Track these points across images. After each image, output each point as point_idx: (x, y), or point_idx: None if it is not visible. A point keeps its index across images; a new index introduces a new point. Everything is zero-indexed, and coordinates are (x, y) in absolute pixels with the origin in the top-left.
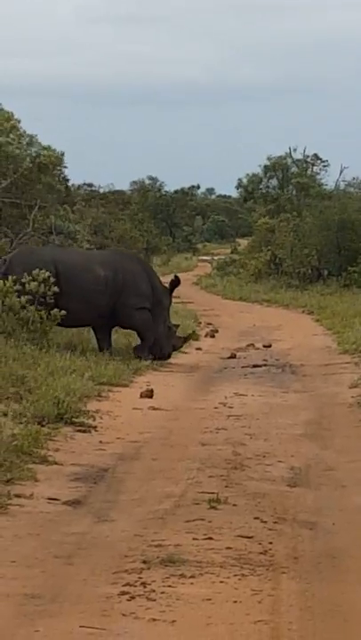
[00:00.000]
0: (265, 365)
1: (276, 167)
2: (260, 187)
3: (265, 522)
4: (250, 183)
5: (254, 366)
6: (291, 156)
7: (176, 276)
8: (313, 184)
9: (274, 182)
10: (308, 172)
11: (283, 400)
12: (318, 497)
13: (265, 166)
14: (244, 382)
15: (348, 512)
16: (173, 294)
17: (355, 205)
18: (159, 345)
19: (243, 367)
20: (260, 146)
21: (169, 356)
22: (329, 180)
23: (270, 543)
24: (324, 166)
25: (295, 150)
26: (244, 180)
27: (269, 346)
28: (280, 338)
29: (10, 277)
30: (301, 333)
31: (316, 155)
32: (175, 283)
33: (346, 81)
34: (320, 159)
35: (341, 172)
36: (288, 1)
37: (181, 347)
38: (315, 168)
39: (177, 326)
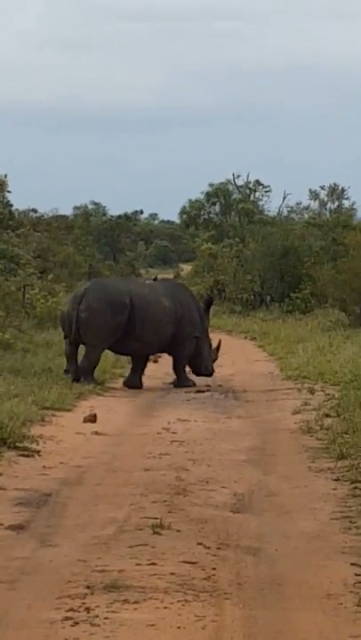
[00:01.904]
0: (208, 391)
1: (219, 193)
2: (203, 212)
3: (208, 547)
4: (192, 209)
5: (197, 392)
6: (234, 183)
7: (209, 295)
8: (256, 210)
9: (217, 208)
10: (251, 198)
11: (226, 426)
12: (262, 523)
13: (207, 193)
14: (188, 408)
15: (291, 538)
16: None
17: (297, 232)
18: (205, 364)
19: (186, 392)
20: (203, 171)
21: (213, 372)
22: (272, 206)
23: (214, 569)
24: (267, 192)
25: (238, 177)
26: (187, 206)
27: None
28: (223, 363)
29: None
30: (244, 359)
31: (258, 181)
32: (210, 302)
33: (289, 108)
34: (263, 185)
35: (284, 198)
36: (232, 28)
37: (217, 358)
38: (257, 194)
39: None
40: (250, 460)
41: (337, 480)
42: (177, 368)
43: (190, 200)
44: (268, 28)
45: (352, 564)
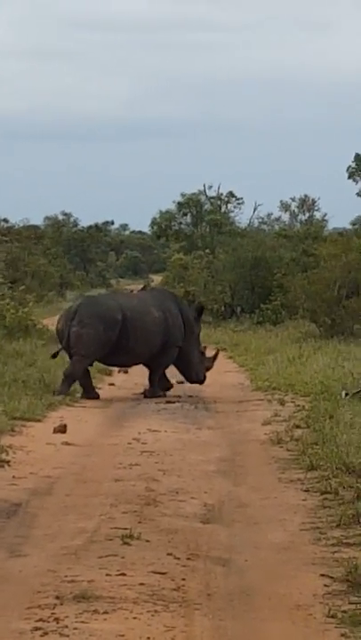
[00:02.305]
0: (178, 402)
1: (191, 204)
2: (174, 223)
3: (178, 558)
4: (163, 220)
5: (168, 402)
6: (205, 194)
7: (200, 302)
8: (226, 221)
9: (188, 219)
10: (223, 209)
11: (196, 436)
12: (231, 534)
13: (179, 203)
14: (158, 418)
15: (261, 549)
16: None
17: (268, 243)
18: (195, 371)
19: (156, 403)
20: (175, 182)
21: (204, 379)
22: (243, 217)
23: (183, 579)
24: (239, 204)
25: (210, 188)
26: (158, 217)
27: (182, 382)
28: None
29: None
30: (214, 370)
31: (231, 192)
32: (201, 309)
33: (260, 119)
34: (235, 196)
35: (255, 209)
36: (205, 39)
37: (212, 367)
38: (229, 205)
39: (204, 347)
40: (220, 470)
41: (307, 491)
42: (152, 378)
43: (161, 211)
44: (242, 40)
45: (321, 576)
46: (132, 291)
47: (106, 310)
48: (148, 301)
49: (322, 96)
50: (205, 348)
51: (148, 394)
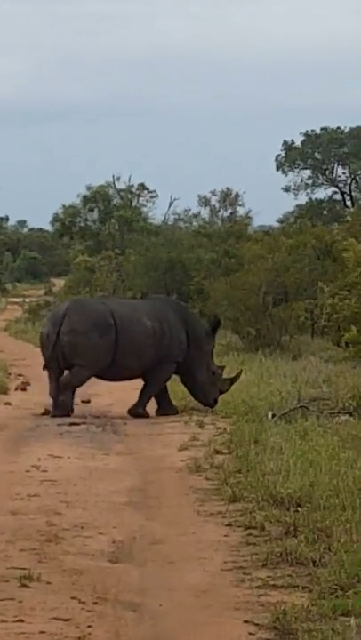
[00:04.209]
0: (83, 423)
1: (98, 198)
2: (79, 220)
3: (83, 602)
4: (67, 215)
5: (71, 424)
6: (114, 186)
7: (215, 316)
8: (138, 218)
9: (94, 215)
10: (134, 203)
11: (104, 463)
12: (143, 574)
13: (84, 197)
14: (60, 442)
15: (176, 592)
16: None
17: (185, 242)
18: (203, 392)
19: (58, 425)
20: (80, 173)
21: (215, 402)
22: (157, 213)
23: (89, 627)
24: (152, 197)
25: (119, 179)
26: (60, 213)
27: (88, 401)
28: (100, 392)
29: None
30: (123, 387)
31: (142, 184)
32: (216, 323)
33: (179, 105)
34: (147, 189)
35: (171, 203)
36: (116, 8)
37: (228, 389)
38: (141, 199)
39: (222, 368)
40: (131, 502)
41: (229, 525)
42: (142, 394)
43: (64, 205)
44: (155, 11)
45: (245, 622)
46: (142, 296)
47: (97, 314)
48: (142, 310)
49: (248, 75)
50: (223, 367)
51: (132, 411)
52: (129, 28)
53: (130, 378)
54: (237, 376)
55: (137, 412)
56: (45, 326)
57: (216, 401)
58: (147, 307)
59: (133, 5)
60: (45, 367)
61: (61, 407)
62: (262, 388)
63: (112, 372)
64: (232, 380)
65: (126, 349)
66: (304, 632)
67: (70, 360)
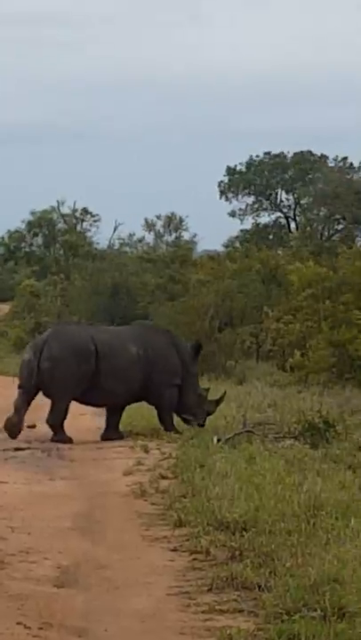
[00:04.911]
0: (29, 448)
1: (42, 222)
2: (24, 245)
3: (29, 627)
4: (12, 240)
5: (16, 449)
6: (58, 210)
7: (197, 341)
8: (83, 242)
9: (39, 240)
10: (78, 228)
11: (49, 488)
12: (89, 599)
13: (29, 221)
14: (4, 467)
15: (122, 617)
16: None
17: (130, 267)
18: (191, 414)
19: (3, 450)
20: (24, 198)
21: (204, 423)
22: (101, 238)
23: None
24: (95, 221)
25: (63, 204)
26: (5, 237)
27: (33, 426)
28: (44, 416)
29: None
30: (70, 413)
31: (85, 209)
32: (198, 347)
33: (125, 130)
34: (90, 214)
35: (116, 228)
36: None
37: (215, 411)
38: (84, 224)
39: (207, 390)
40: (76, 527)
41: (174, 550)
42: (162, 418)
43: (9, 230)
44: (99, 37)
45: None
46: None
47: (77, 342)
48: (126, 336)
49: (192, 97)
50: (208, 389)
51: (165, 428)
52: (71, 51)
53: (118, 403)
54: (222, 398)
55: (170, 435)
56: (27, 352)
57: (204, 422)
58: (131, 333)
59: (77, 32)
60: (20, 387)
61: (58, 436)
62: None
63: (97, 397)
64: (217, 402)
65: (109, 375)
66: None
67: (48, 388)
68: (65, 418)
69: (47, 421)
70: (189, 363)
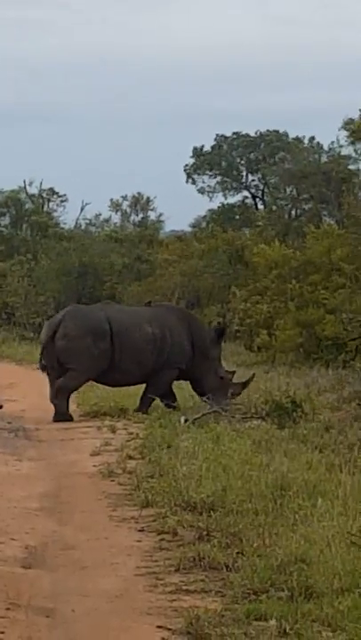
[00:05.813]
0: None
1: (9, 203)
2: None
3: None
4: None
5: None
6: (25, 191)
7: (219, 323)
8: (50, 223)
9: (6, 220)
10: (45, 208)
11: (16, 469)
12: (56, 580)
13: None
14: None
15: (89, 597)
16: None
17: (97, 247)
18: (213, 397)
19: None
20: None
21: (227, 407)
22: (68, 218)
23: (2, 632)
24: (62, 202)
25: (31, 184)
26: None
27: (1, 407)
28: (12, 397)
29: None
30: (37, 393)
31: (52, 189)
32: (221, 331)
33: (90, 111)
34: (57, 194)
35: (82, 208)
36: (31, 13)
37: (240, 393)
38: (51, 204)
39: (233, 373)
40: (43, 508)
41: (141, 531)
42: (144, 396)
43: None
44: (71, 15)
45: (158, 627)
46: (148, 303)
47: (92, 320)
48: (142, 316)
49: (158, 79)
50: (234, 372)
51: (138, 407)
52: (35, 33)
53: (132, 383)
54: (249, 380)
55: (137, 416)
56: (43, 332)
57: (228, 405)
58: (149, 313)
59: (47, 11)
60: (44, 370)
61: (58, 412)
62: (175, 393)
63: (112, 377)
64: (244, 384)
65: (124, 355)
66: (217, 637)
67: (65, 365)
68: (73, 391)
69: (57, 383)
70: (207, 346)
